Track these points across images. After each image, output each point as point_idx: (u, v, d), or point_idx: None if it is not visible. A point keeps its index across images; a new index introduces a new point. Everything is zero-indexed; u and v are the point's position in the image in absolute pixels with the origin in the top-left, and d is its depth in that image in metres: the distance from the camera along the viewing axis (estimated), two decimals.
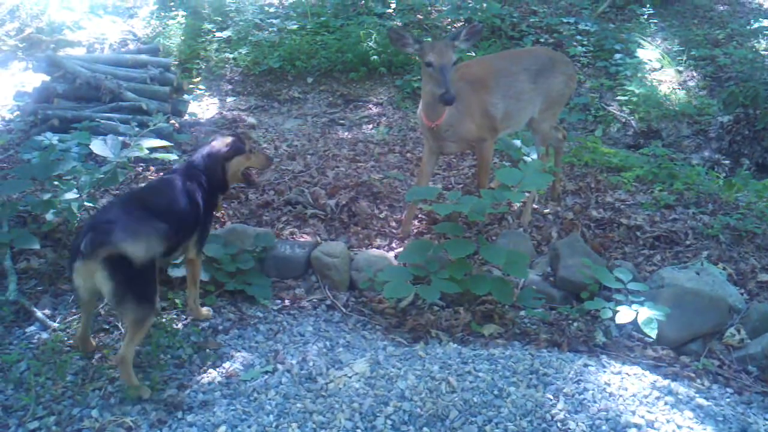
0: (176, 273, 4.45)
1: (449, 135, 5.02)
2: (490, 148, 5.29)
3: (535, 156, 6.01)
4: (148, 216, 3.64)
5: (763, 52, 8.87)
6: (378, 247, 5.19)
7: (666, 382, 3.70)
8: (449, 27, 10.20)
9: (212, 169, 4.13)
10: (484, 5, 9.80)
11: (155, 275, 3.57)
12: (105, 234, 3.35)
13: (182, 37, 9.75)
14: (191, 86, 8.64)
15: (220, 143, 4.20)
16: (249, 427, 3.27)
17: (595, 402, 3.38)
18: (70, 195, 4.37)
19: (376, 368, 3.66)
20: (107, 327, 4.12)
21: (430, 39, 9.52)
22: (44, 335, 3.98)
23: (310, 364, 3.84)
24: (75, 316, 4.14)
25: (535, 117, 5.46)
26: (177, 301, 4.38)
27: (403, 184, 6.14)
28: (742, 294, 4.66)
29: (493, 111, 5.14)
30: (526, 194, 5.39)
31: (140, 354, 3.87)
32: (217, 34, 9.87)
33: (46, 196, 4.48)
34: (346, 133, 7.56)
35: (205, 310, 4.32)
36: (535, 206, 5.78)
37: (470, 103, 5.02)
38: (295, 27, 9.82)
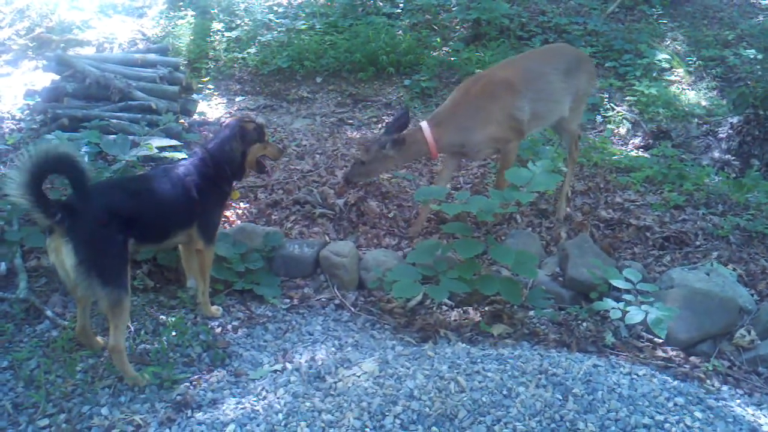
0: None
1: (466, 150, 5.21)
2: (515, 149, 5.31)
3: (546, 155, 6.01)
4: (118, 198, 3.64)
5: None
6: (387, 247, 5.19)
7: (676, 382, 3.68)
8: (458, 27, 10.19)
9: (232, 153, 4.15)
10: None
11: (122, 256, 3.55)
12: (66, 210, 3.35)
13: (191, 37, 9.78)
14: (200, 86, 8.65)
15: (243, 128, 4.22)
16: (258, 425, 3.27)
17: (604, 402, 3.37)
18: None
19: (385, 367, 3.66)
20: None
21: (439, 39, 9.55)
22: (54, 333, 4.00)
23: (319, 363, 3.84)
24: None
25: (565, 116, 5.49)
26: (185, 299, 4.39)
27: (412, 183, 6.14)
28: (752, 295, 4.64)
29: (519, 115, 5.14)
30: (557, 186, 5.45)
31: (150, 352, 3.89)
32: (226, 33, 9.90)
33: (56, 195, 4.49)
34: (355, 133, 7.56)
35: (215, 308, 4.35)
36: (543, 207, 5.78)
37: (490, 112, 5.08)
38: (303, 27, 9.84)
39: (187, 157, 4.47)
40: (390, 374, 3.59)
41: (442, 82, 8.81)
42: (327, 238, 5.20)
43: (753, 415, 3.55)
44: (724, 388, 3.85)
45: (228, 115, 7.89)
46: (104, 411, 3.44)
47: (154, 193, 3.88)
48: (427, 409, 3.31)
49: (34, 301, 4.20)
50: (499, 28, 9.62)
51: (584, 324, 4.40)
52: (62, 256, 3.39)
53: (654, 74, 8.77)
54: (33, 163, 3.13)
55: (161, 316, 4.24)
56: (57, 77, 6.79)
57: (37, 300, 4.22)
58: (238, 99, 8.66)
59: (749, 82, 8.12)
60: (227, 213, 5.31)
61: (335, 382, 3.59)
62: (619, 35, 9.54)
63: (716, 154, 7.46)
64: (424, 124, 5.18)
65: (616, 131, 7.89)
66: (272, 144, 4.52)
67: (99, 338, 3.94)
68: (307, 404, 3.39)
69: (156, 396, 3.58)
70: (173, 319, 4.19)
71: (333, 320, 4.42)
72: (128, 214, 3.60)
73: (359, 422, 3.24)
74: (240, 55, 9.37)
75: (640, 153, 7.37)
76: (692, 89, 8.61)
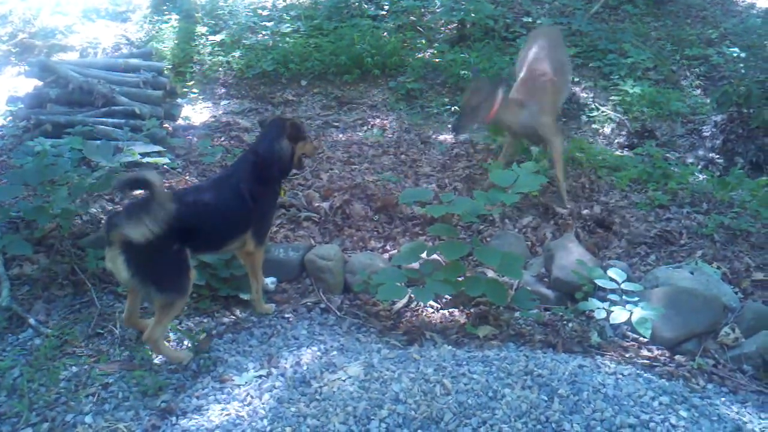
0: None
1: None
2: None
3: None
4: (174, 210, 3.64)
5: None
6: (372, 250, 5.19)
7: (661, 382, 3.69)
8: (443, 29, 10.20)
9: (282, 152, 4.22)
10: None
11: (179, 262, 3.70)
12: (115, 219, 3.55)
13: (175, 41, 9.75)
14: (185, 90, 8.63)
15: (293, 125, 4.28)
16: (243, 431, 3.26)
17: (590, 403, 3.37)
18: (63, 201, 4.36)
19: (371, 371, 3.65)
20: (101, 332, 4.11)
21: (424, 41, 9.56)
22: (37, 341, 3.97)
23: (304, 367, 3.82)
24: (67, 322, 4.14)
25: None
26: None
27: (398, 186, 6.13)
28: (736, 293, 4.66)
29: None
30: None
31: (134, 359, 3.86)
32: (211, 37, 9.88)
33: (39, 202, 4.47)
34: (340, 135, 7.55)
35: (268, 306, 4.46)
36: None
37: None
38: (288, 30, 9.82)
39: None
40: (375, 378, 3.58)
41: (427, 84, 8.82)
42: (312, 242, 5.18)
43: (737, 413, 3.56)
44: (709, 386, 3.86)
45: (213, 119, 7.86)
46: (88, 419, 3.42)
47: (211, 204, 3.96)
48: (413, 413, 3.30)
49: (16, 309, 4.16)
50: (484, 30, 9.63)
51: (570, 324, 4.40)
52: (118, 266, 3.56)
53: (638, 74, 8.80)
54: None
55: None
56: (40, 83, 6.77)
57: (20, 308, 4.19)
58: (223, 103, 8.63)
59: (732, 81, 8.16)
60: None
61: (320, 387, 3.58)
62: (604, 35, 9.57)
63: (700, 153, 7.49)
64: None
65: (600, 131, 7.91)
66: (311, 141, 4.61)
67: (146, 321, 4.02)
68: (292, 409, 3.38)
69: (140, 403, 3.56)
70: None
71: (318, 324, 4.41)
72: (184, 226, 3.67)
73: (344, 427, 3.23)
74: (225, 59, 9.35)
75: (625, 152, 7.39)
76: (676, 88, 8.64)
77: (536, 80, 5.99)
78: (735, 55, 9.09)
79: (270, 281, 4.69)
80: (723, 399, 3.73)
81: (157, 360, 3.89)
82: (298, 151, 4.34)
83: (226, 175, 4.22)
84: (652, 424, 3.24)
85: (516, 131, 5.99)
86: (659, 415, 3.32)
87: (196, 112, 8.26)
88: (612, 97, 8.38)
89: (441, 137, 7.40)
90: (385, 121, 8.03)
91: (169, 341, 4.06)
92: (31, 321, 4.10)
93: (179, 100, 7.67)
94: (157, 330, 3.74)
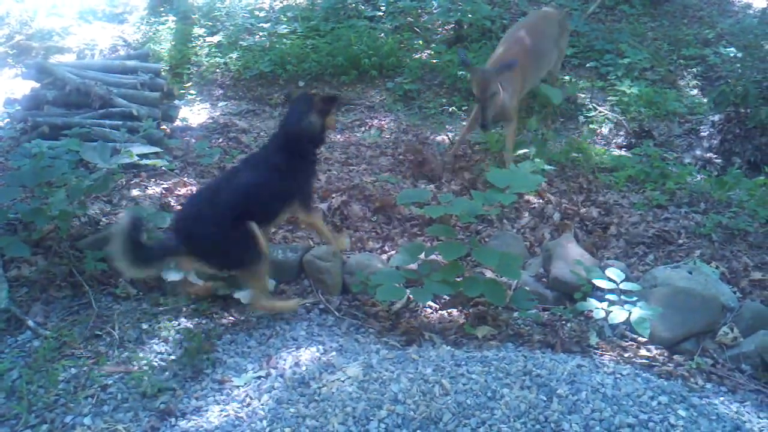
0: (171, 277, 4.44)
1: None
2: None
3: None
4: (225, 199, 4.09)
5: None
6: (371, 251, 5.18)
7: (659, 381, 3.70)
8: (440, 30, 10.20)
9: (312, 126, 4.43)
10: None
11: (246, 238, 4.06)
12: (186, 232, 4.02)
13: (173, 43, 9.74)
14: (182, 91, 8.63)
15: (320, 101, 4.48)
16: None
17: (588, 403, 3.38)
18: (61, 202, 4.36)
19: (369, 372, 3.65)
20: (99, 333, 4.11)
21: (421, 42, 9.57)
22: (36, 343, 3.97)
23: (303, 368, 3.82)
24: (66, 323, 4.13)
25: (551, 68, 7.11)
26: (169, 307, 4.37)
27: (396, 187, 6.13)
28: (734, 292, 4.66)
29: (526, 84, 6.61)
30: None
31: (132, 360, 3.86)
32: (208, 38, 9.87)
33: (37, 204, 4.46)
34: (338, 136, 7.55)
35: (344, 240, 4.86)
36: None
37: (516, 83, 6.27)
38: (285, 31, 9.81)
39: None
40: (374, 378, 3.59)
41: (424, 85, 8.81)
42: (311, 243, 5.18)
43: (736, 412, 3.57)
44: (708, 386, 3.87)
45: (210, 121, 7.86)
46: (87, 421, 3.42)
47: (252, 182, 4.22)
48: (412, 413, 3.30)
49: (15, 311, 4.16)
50: (481, 30, 9.62)
51: (568, 324, 4.40)
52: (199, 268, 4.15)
53: (635, 74, 8.80)
54: None
55: (144, 324, 4.22)
56: (37, 85, 6.76)
57: (19, 310, 4.18)
58: (220, 104, 8.63)
59: (730, 81, 8.17)
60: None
61: (319, 388, 3.59)
62: (600, 35, 9.57)
63: (698, 153, 7.49)
64: None
65: (598, 131, 7.91)
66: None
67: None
68: (291, 410, 3.39)
69: (139, 404, 3.56)
70: (156, 326, 4.17)
71: (317, 325, 4.41)
72: (238, 208, 4.07)
73: (343, 427, 3.23)
74: (222, 60, 9.34)
75: (623, 152, 7.40)
76: (673, 88, 8.64)
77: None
78: (732, 55, 9.08)
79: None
80: (722, 398, 3.74)
81: (156, 362, 3.89)
82: (328, 123, 4.54)
83: (260, 154, 4.50)
84: (651, 424, 3.25)
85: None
86: (658, 414, 3.33)
87: (194, 113, 8.26)
88: (609, 98, 8.38)
89: (439, 138, 7.39)
90: (382, 122, 8.03)
91: (167, 342, 4.06)
92: (30, 323, 4.10)
93: (176, 102, 7.66)
94: (258, 296, 4.24)
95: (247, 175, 4.27)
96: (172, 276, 4.43)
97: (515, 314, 4.50)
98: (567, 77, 8.76)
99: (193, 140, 7.02)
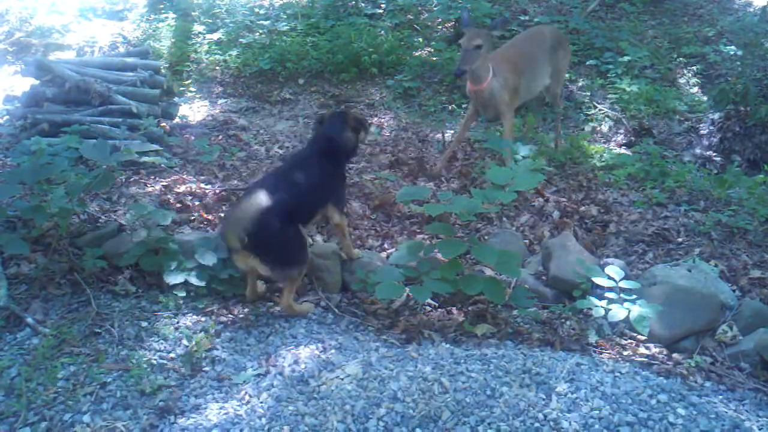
0: (172, 279, 4.44)
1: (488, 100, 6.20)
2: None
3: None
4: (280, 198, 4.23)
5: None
6: (370, 248, 5.19)
7: (659, 380, 3.70)
8: (440, 27, 10.19)
9: (348, 140, 4.74)
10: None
11: (290, 241, 4.25)
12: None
13: (172, 40, 9.73)
14: (182, 89, 8.61)
15: (355, 118, 4.87)
16: (241, 430, 3.27)
17: (588, 401, 3.38)
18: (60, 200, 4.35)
19: (369, 370, 3.66)
20: (99, 331, 4.10)
21: (421, 39, 9.56)
22: (35, 341, 3.96)
23: (302, 366, 3.82)
24: (65, 321, 4.13)
25: (547, 84, 6.85)
26: (170, 304, 4.37)
27: (395, 184, 6.13)
28: (734, 291, 4.66)
29: (521, 89, 6.44)
30: None
31: (131, 359, 3.86)
32: (208, 36, 9.86)
33: (36, 201, 4.46)
34: None
35: (356, 251, 4.89)
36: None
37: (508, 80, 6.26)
38: (285, 28, 9.81)
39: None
40: (373, 376, 3.59)
41: (424, 82, 8.82)
42: (310, 240, 5.18)
43: (735, 410, 3.57)
44: (707, 384, 3.86)
45: (210, 118, 7.86)
46: (86, 418, 3.41)
47: (303, 183, 4.43)
48: (411, 411, 3.31)
49: (14, 308, 4.15)
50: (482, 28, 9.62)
51: (568, 322, 4.40)
52: (252, 264, 4.17)
53: (635, 72, 8.80)
54: None
55: (143, 322, 4.21)
56: (36, 82, 6.74)
57: (18, 307, 4.17)
58: (220, 101, 8.63)
59: (730, 79, 8.18)
60: (209, 217, 5.30)
61: (318, 386, 3.59)
62: (600, 33, 9.58)
63: (698, 151, 7.50)
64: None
65: (598, 129, 7.91)
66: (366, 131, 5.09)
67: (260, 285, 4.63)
68: (290, 408, 3.39)
69: (138, 402, 3.55)
70: (155, 324, 4.17)
71: (317, 323, 4.41)
72: (290, 207, 4.24)
73: (343, 425, 3.23)
74: (222, 58, 9.33)
75: (623, 150, 7.40)
76: (673, 86, 8.65)
77: (502, 61, 6.36)
78: (732, 53, 9.09)
79: None
80: (721, 397, 3.74)
81: (155, 360, 3.89)
82: (361, 138, 4.87)
83: (304, 157, 4.72)
84: (650, 422, 3.25)
85: (479, 97, 6.30)
86: (657, 413, 3.33)
87: (194, 110, 8.26)
88: (609, 96, 8.39)
89: (439, 135, 7.39)
90: (382, 120, 8.03)
91: (167, 339, 4.06)
92: (29, 320, 4.09)
93: (176, 99, 7.65)
94: (289, 298, 4.33)
95: (300, 176, 4.47)
96: (173, 278, 4.44)
97: (514, 312, 4.51)
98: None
99: (193, 137, 7.02)
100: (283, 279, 4.33)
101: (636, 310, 4.13)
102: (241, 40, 9.63)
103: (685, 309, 4.28)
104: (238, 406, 3.49)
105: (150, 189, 5.71)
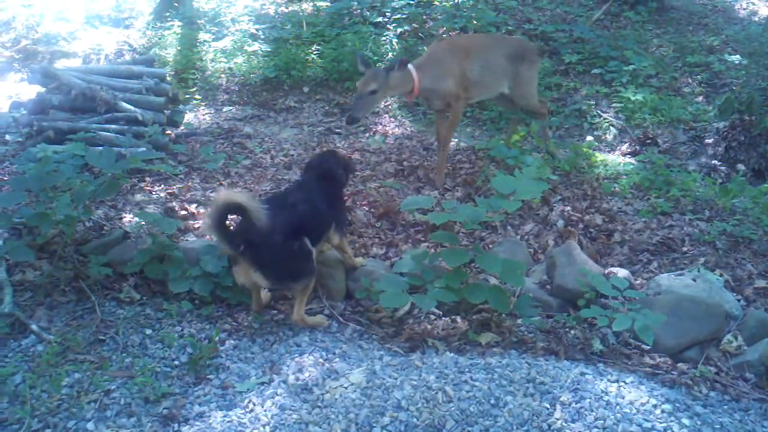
0: (177, 288, 4.46)
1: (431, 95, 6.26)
2: (461, 108, 6.59)
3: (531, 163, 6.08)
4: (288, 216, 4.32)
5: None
6: (374, 257, 5.19)
7: (663, 389, 3.69)
8: (445, 35, 10.21)
9: (342, 175, 4.86)
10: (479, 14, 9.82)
11: (303, 253, 4.28)
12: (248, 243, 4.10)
13: (178, 48, 9.77)
14: (187, 96, 8.64)
15: (345, 158, 5.13)
16: None
17: (592, 410, 3.38)
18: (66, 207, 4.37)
19: (373, 378, 3.65)
20: (103, 338, 4.11)
21: (425, 48, 9.57)
22: (39, 348, 3.97)
23: (306, 374, 3.82)
24: (70, 328, 4.14)
25: (505, 93, 6.71)
26: (174, 312, 4.37)
27: (400, 192, 6.14)
28: (738, 300, 4.64)
29: (471, 75, 6.37)
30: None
31: (135, 366, 3.86)
32: (213, 44, 9.89)
33: (41, 209, 4.47)
34: (343, 142, 7.56)
35: (359, 259, 4.95)
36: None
37: (451, 67, 6.25)
38: (290, 36, 9.83)
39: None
40: (377, 385, 3.59)
41: None
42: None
43: (740, 421, 3.56)
44: (712, 394, 3.85)
45: (215, 126, 7.88)
46: (90, 426, 3.42)
47: (310, 204, 4.48)
48: (415, 420, 3.30)
49: (19, 315, 4.16)
50: None
51: (572, 332, 4.40)
52: (253, 279, 4.18)
53: (640, 81, 8.80)
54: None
55: (148, 329, 4.22)
56: (42, 89, 6.78)
57: (23, 314, 4.19)
58: (225, 109, 8.65)
59: (734, 88, 8.17)
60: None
61: (322, 394, 3.59)
62: (605, 42, 9.57)
63: (703, 160, 7.48)
64: (410, 66, 6.04)
65: (603, 138, 7.91)
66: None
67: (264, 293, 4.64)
68: (294, 416, 3.39)
69: (142, 410, 3.56)
70: (160, 331, 4.18)
71: (321, 331, 4.41)
72: (300, 224, 4.32)
73: None
74: (227, 65, 9.37)
75: (627, 159, 7.39)
76: (678, 95, 8.64)
77: (435, 53, 6.43)
78: (737, 62, 9.09)
79: None
80: (725, 407, 3.72)
81: (159, 367, 3.90)
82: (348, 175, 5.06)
83: (308, 184, 4.76)
84: None
85: (428, 98, 6.36)
86: (662, 422, 3.32)
87: (199, 118, 8.28)
88: (614, 104, 8.38)
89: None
90: (386, 128, 8.04)
91: (171, 347, 4.07)
92: (34, 327, 4.10)
93: (182, 107, 7.68)
94: (301, 310, 4.34)
95: (303, 197, 4.53)
96: (178, 287, 4.46)
97: (519, 321, 4.50)
98: (572, 83, 8.76)
99: (198, 145, 7.03)
100: (293, 293, 4.39)
101: (641, 319, 4.11)
102: (246, 48, 9.66)
103: (690, 319, 4.27)
104: (242, 414, 3.49)
105: (155, 196, 5.72)
